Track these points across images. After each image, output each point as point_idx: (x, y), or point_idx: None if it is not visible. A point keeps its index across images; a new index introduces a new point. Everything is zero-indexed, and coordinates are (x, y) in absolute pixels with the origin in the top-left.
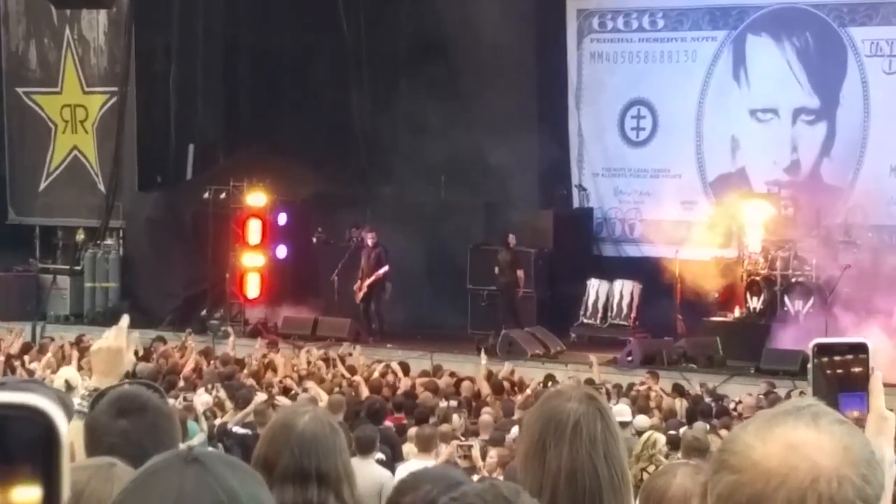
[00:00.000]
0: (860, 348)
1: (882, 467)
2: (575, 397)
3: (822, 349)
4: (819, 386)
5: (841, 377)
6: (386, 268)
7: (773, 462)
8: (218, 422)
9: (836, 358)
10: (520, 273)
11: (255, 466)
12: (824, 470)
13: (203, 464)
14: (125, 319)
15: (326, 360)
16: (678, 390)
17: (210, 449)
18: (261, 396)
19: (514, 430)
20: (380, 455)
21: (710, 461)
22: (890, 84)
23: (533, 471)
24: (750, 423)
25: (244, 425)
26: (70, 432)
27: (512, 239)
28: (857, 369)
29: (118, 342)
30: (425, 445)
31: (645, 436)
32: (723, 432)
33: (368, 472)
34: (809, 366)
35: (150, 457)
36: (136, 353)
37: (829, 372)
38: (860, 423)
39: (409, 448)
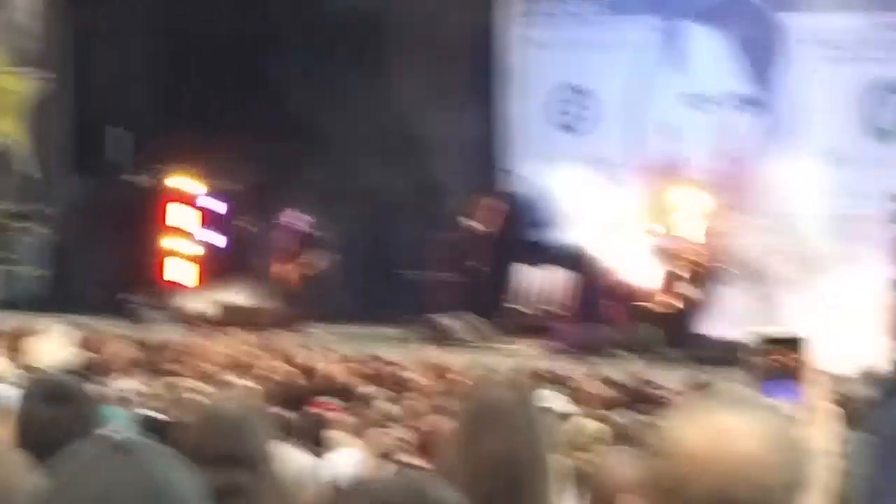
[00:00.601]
0: (796, 340)
1: (806, 453)
2: (502, 385)
3: (758, 338)
4: (753, 374)
5: (774, 366)
6: (323, 254)
7: (700, 447)
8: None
9: (772, 347)
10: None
11: (178, 452)
12: (748, 455)
13: (131, 452)
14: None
15: (259, 346)
16: (606, 378)
17: (132, 436)
18: (169, 380)
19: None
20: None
21: (647, 447)
22: (829, 72)
23: (463, 459)
24: (682, 410)
25: (154, 410)
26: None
27: (475, 223)
28: (791, 359)
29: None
30: (355, 432)
31: (572, 423)
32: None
33: (290, 457)
34: (743, 354)
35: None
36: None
37: (762, 360)
38: (787, 411)
39: (338, 435)
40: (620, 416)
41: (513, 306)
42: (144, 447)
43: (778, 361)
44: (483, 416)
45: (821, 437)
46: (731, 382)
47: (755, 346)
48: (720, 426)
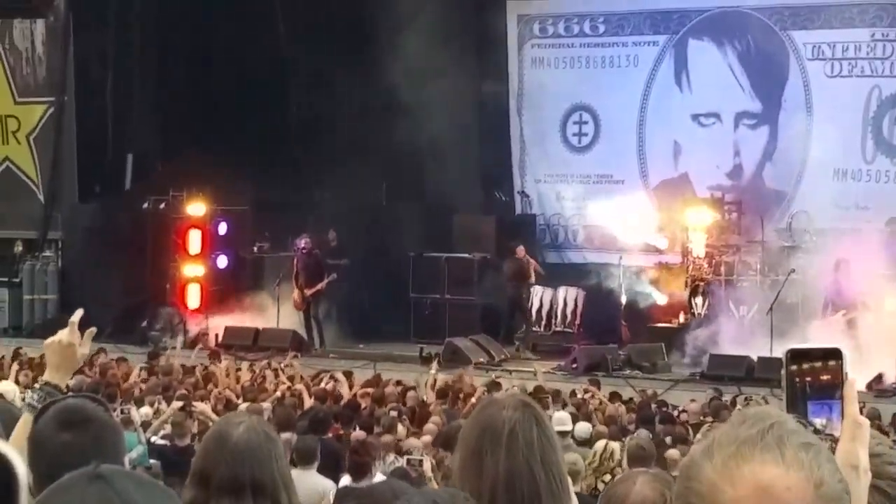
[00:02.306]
0: (833, 354)
1: (850, 496)
2: (510, 405)
3: (794, 356)
4: (791, 393)
5: (812, 384)
6: (333, 276)
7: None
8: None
9: (807, 365)
10: (532, 279)
11: (192, 480)
12: None
13: (107, 480)
14: (78, 314)
15: (270, 371)
16: (618, 397)
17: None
18: (176, 404)
19: None
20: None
21: (674, 491)
22: (832, 87)
23: (471, 479)
24: (713, 450)
25: (164, 437)
26: (19, 428)
27: (520, 250)
28: (827, 376)
29: (70, 337)
30: (374, 457)
31: (599, 445)
32: (671, 448)
33: (310, 482)
34: (783, 372)
35: None
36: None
37: (799, 379)
38: (827, 430)
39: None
40: (634, 438)
41: (528, 327)
42: (123, 476)
43: (815, 379)
44: (488, 435)
45: (863, 453)
46: (748, 400)
47: (795, 363)
48: (764, 480)
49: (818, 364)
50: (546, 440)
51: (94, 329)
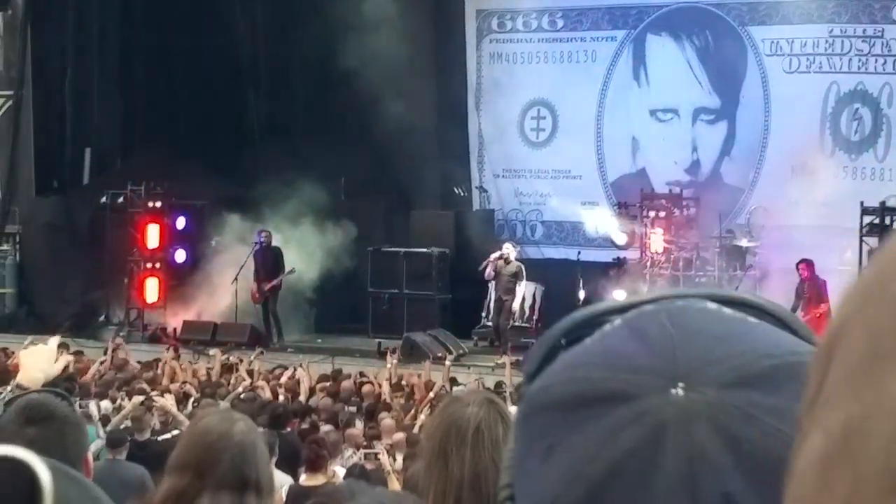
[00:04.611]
0: None
1: None
2: (475, 402)
3: None
4: None
5: None
6: (291, 270)
7: None
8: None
9: None
10: (520, 285)
11: (184, 470)
12: None
13: (14, 461)
14: (54, 341)
15: (228, 365)
16: None
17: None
18: (137, 399)
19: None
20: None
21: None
22: (790, 83)
23: (436, 478)
24: None
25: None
26: None
27: (508, 248)
28: None
29: (49, 351)
30: (331, 451)
31: None
32: None
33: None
34: None
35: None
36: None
37: None
38: None
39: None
40: None
41: (486, 322)
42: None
43: None
44: (452, 433)
45: None
46: None
47: None
48: None
49: None
50: (507, 439)
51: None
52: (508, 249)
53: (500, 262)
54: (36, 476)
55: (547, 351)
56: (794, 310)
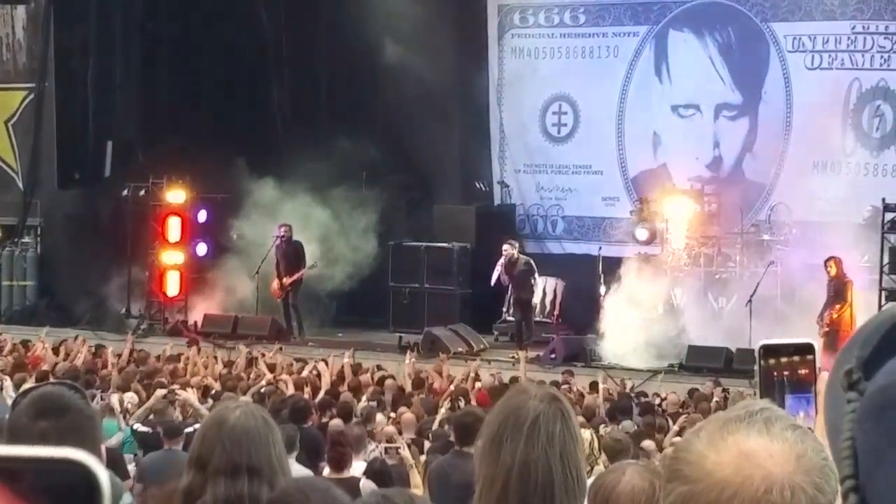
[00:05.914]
0: (806, 349)
1: (835, 473)
2: (538, 396)
3: (767, 350)
4: (766, 388)
5: (787, 379)
6: (313, 264)
7: (726, 471)
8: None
9: (783, 359)
10: (535, 279)
11: (190, 464)
12: (777, 479)
13: None
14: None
15: (249, 359)
16: (594, 388)
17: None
18: (160, 392)
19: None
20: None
21: (663, 467)
22: (812, 79)
23: (487, 464)
24: (702, 429)
25: (145, 423)
26: None
27: (508, 249)
28: (803, 371)
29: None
30: (355, 447)
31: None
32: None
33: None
34: (756, 367)
35: None
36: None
37: (775, 374)
38: (805, 424)
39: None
40: (610, 430)
41: (507, 318)
42: None
43: (791, 373)
44: (510, 423)
45: None
46: (725, 392)
47: (768, 358)
48: (747, 448)
49: (795, 358)
50: (569, 435)
51: None
52: (509, 250)
53: (508, 266)
54: (96, 479)
55: (882, 338)
56: (823, 308)
